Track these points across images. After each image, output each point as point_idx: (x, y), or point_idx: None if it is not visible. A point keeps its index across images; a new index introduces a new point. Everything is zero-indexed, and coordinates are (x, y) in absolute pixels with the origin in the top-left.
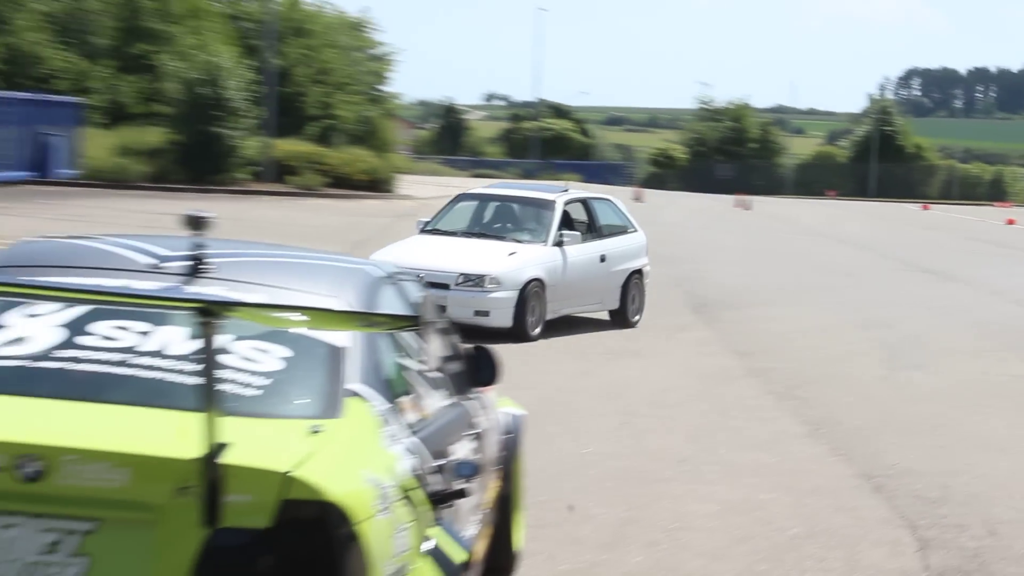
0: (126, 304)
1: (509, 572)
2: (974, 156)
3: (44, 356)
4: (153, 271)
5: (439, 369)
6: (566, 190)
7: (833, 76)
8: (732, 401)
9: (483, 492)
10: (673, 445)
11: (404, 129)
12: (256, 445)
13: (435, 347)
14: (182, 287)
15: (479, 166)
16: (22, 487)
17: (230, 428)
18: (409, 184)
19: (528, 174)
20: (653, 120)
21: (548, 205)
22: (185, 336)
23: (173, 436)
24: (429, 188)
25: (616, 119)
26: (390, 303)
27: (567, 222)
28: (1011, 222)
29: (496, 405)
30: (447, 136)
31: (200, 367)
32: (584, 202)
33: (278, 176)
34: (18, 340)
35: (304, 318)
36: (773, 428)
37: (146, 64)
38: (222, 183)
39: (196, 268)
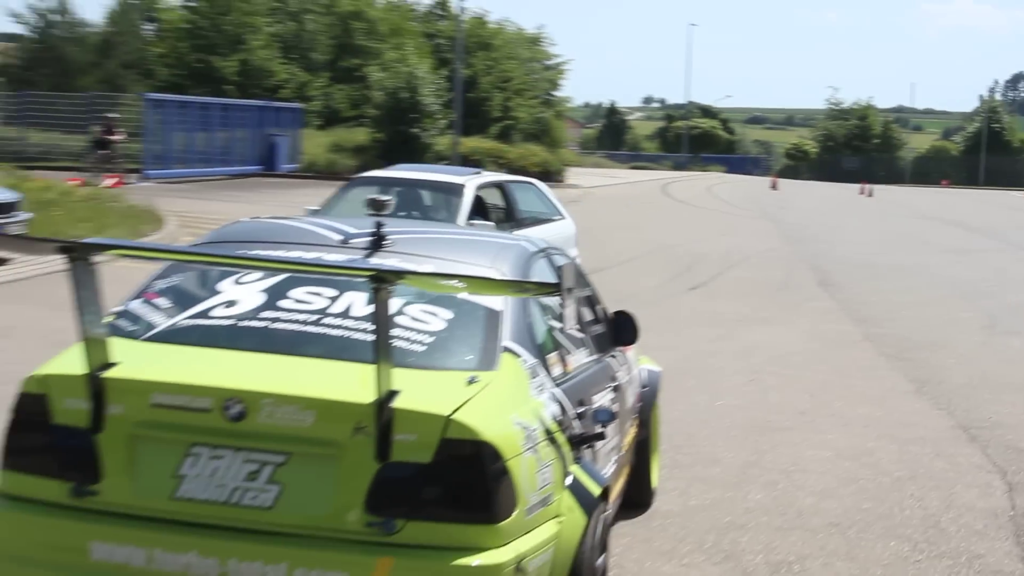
0: (319, 273)
1: (647, 506)
2: None
3: (250, 316)
4: (342, 246)
5: (584, 330)
6: (478, 172)
7: (948, 80)
8: (848, 362)
9: (622, 436)
10: (794, 399)
11: (573, 128)
12: (422, 393)
13: (581, 311)
14: (365, 259)
15: (637, 159)
16: (229, 425)
17: (401, 378)
18: (576, 175)
19: (679, 166)
20: (789, 119)
21: (456, 190)
22: (367, 300)
23: (353, 384)
24: (593, 179)
25: (757, 118)
26: (540, 274)
27: (480, 209)
28: None
29: (637, 362)
30: (609, 134)
31: (376, 327)
32: (500, 186)
33: None
34: (229, 303)
35: (464, 285)
36: (883, 386)
37: (356, 75)
38: None
39: (377, 243)
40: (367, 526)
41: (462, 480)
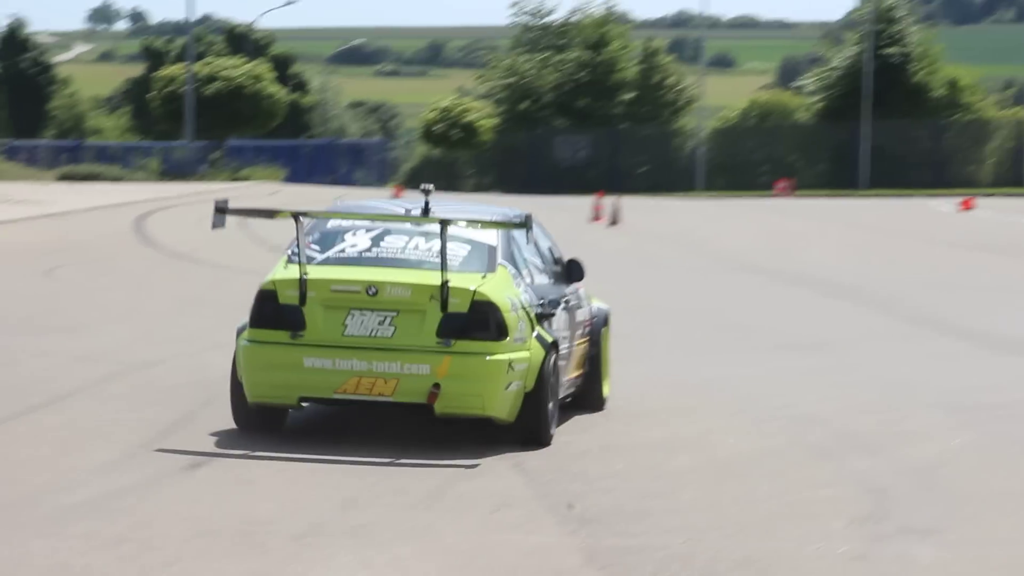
0: (398, 224)
1: (600, 409)
2: None
3: (367, 250)
4: (406, 213)
5: (544, 264)
6: None
7: None
8: None
9: (572, 332)
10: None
11: None
12: (461, 280)
13: (541, 250)
14: (420, 219)
15: (76, 156)
16: (368, 299)
17: (450, 276)
18: None
19: (181, 170)
20: (433, 55)
21: None
22: (424, 239)
23: (428, 277)
24: None
25: (361, 55)
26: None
27: None
28: None
29: (588, 299)
30: (15, 96)
31: (441, 249)
32: None
33: None
34: (353, 245)
35: (480, 226)
36: None
37: None
38: None
39: (425, 211)
40: (437, 343)
41: (481, 320)
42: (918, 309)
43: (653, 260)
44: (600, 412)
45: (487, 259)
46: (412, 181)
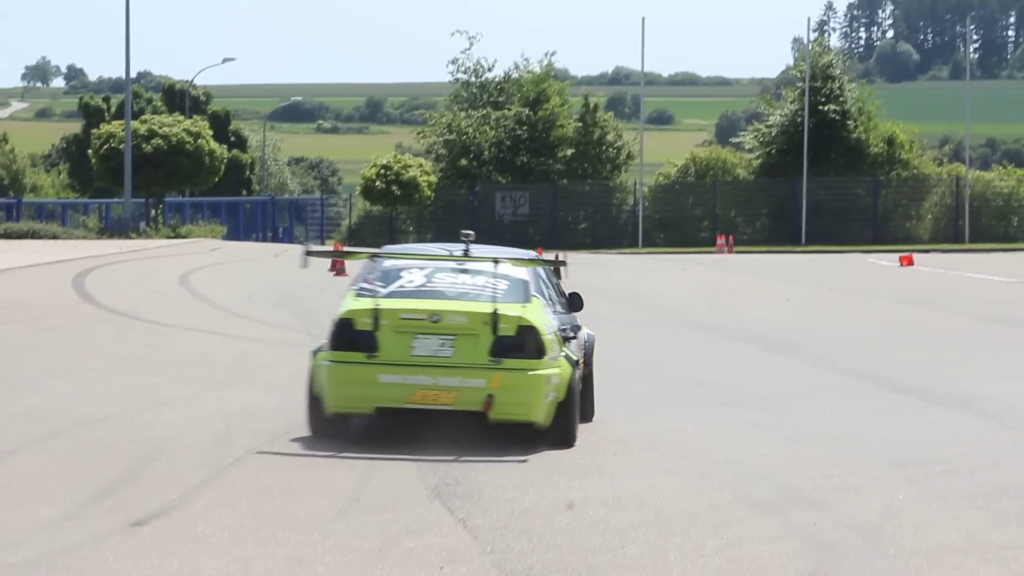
0: (445, 263)
1: (591, 419)
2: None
3: (423, 285)
4: (451, 255)
5: (558, 297)
6: None
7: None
8: None
9: (581, 351)
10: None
11: None
12: (507, 309)
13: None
14: (463, 259)
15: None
16: (430, 325)
17: (498, 306)
18: None
19: (118, 227)
20: (373, 110)
21: None
22: (469, 276)
23: (480, 307)
24: None
25: (298, 112)
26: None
27: None
28: None
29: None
30: None
31: (480, 285)
32: None
33: None
34: (410, 281)
35: (520, 262)
36: None
37: None
38: None
39: (466, 252)
40: (489, 361)
41: (526, 342)
42: (860, 364)
43: (595, 315)
44: (543, 467)
45: (523, 292)
46: (352, 237)
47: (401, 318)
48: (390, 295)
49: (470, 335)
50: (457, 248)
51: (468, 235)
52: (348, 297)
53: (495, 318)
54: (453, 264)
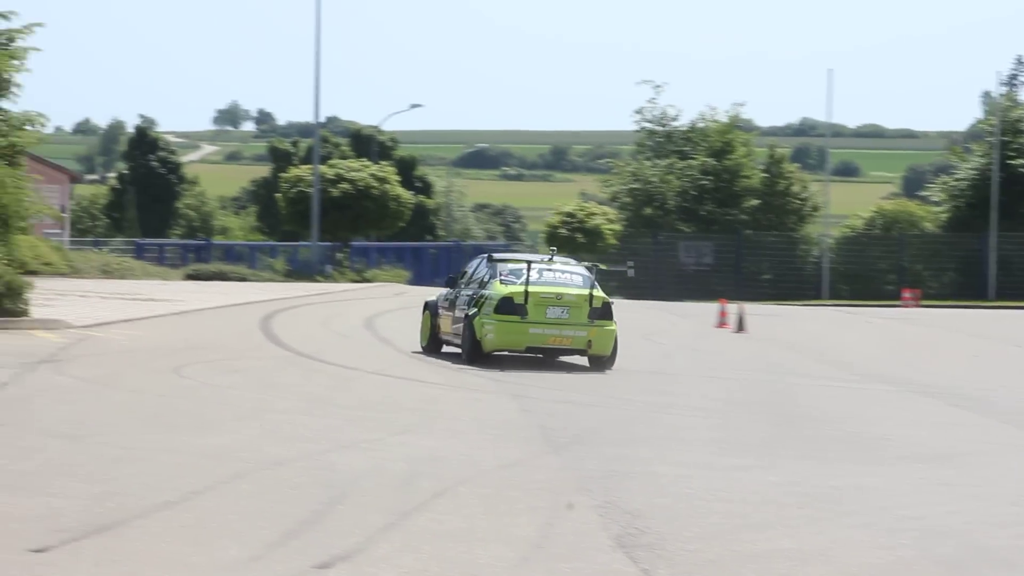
0: (546, 266)
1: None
2: None
3: (540, 277)
4: (541, 260)
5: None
6: None
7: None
8: None
9: None
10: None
11: (49, 183)
12: (595, 292)
13: None
14: (551, 263)
15: (201, 256)
16: (556, 300)
17: (587, 291)
18: (60, 297)
19: (309, 269)
20: (557, 157)
21: None
22: (560, 273)
23: (581, 291)
24: (101, 307)
25: (483, 158)
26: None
27: None
28: None
29: None
30: (146, 195)
31: (572, 276)
32: None
33: None
34: (533, 276)
35: (598, 267)
36: None
37: None
38: None
39: (552, 259)
40: (588, 320)
41: (607, 310)
42: None
43: (779, 367)
44: (727, 519)
45: (591, 282)
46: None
47: (541, 296)
48: (526, 283)
49: (577, 307)
50: (543, 256)
51: (554, 249)
52: (497, 284)
53: (591, 297)
54: (546, 266)
